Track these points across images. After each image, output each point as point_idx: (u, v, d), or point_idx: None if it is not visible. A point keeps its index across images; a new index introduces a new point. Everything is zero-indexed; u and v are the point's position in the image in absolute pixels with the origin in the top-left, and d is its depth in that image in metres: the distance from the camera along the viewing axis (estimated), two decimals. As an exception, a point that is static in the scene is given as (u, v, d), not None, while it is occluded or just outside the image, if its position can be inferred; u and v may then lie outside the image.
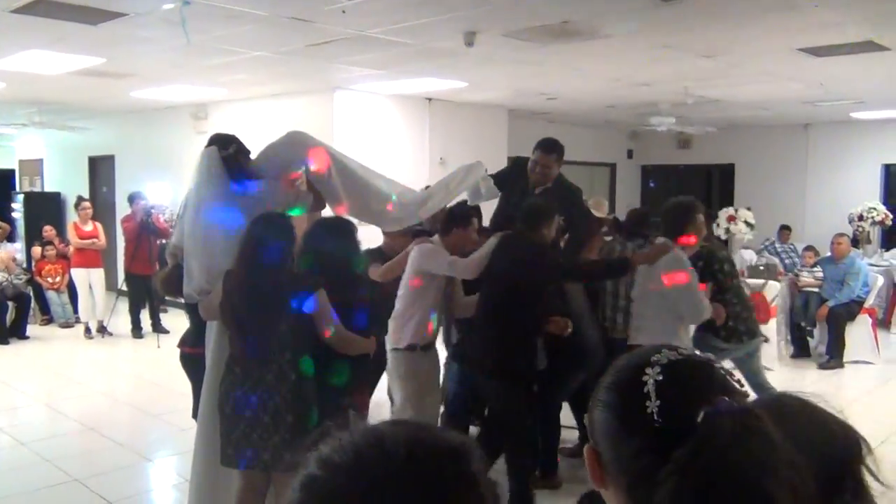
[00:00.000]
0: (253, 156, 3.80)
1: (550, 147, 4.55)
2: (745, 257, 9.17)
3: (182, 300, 3.81)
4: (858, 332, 7.78)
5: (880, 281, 8.21)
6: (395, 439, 0.76)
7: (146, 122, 11.05)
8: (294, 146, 3.83)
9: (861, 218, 9.97)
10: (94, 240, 9.08)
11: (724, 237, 8.47)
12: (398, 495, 0.72)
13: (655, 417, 0.89)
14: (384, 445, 0.75)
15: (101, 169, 12.45)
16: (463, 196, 4.44)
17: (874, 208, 10.02)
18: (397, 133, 9.12)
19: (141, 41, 5.97)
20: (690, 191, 9.32)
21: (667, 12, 4.97)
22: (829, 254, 8.11)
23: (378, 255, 4.61)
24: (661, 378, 0.92)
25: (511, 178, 4.65)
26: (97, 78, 7.71)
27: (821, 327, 7.91)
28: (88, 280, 8.99)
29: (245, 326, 3.18)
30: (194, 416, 3.95)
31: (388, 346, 4.17)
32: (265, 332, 3.14)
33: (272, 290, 3.15)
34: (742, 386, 0.94)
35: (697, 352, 0.99)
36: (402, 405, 4.13)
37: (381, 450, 0.75)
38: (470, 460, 0.77)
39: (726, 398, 0.88)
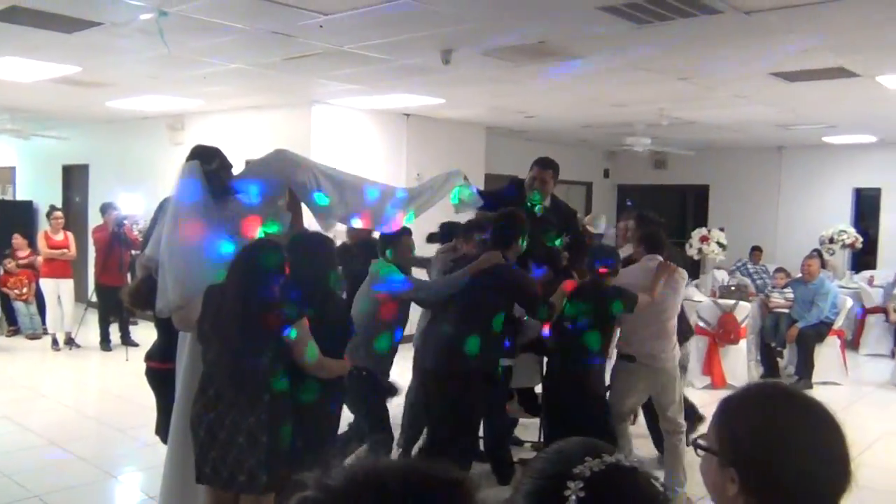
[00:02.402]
0: (235, 170, 3.78)
1: (547, 163, 4.89)
2: (717, 277, 9.25)
3: (149, 313, 3.75)
4: (827, 354, 7.87)
5: (849, 303, 8.31)
6: (393, 470, 0.75)
7: (122, 131, 10.94)
8: (278, 165, 3.82)
9: (832, 241, 10.11)
10: (65, 250, 8.95)
11: (696, 257, 8.52)
12: None
13: None
14: (381, 475, 0.74)
15: (74, 178, 12.30)
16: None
17: (844, 231, 10.17)
18: (374, 148, 9.11)
19: (117, 51, 5.92)
20: (666, 211, 9.38)
21: (642, 35, 5.03)
22: (799, 275, 8.22)
23: (343, 250, 4.83)
24: (583, 494, 0.91)
25: (511, 197, 4.86)
26: (73, 86, 7.63)
27: (790, 348, 8.00)
28: (57, 291, 8.84)
29: (227, 346, 3.11)
30: (157, 432, 3.89)
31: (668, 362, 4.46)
32: (247, 357, 3.08)
33: (262, 319, 3.09)
34: (665, 491, 0.96)
35: (622, 456, 0.98)
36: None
37: (377, 478, 0.74)
38: (470, 495, 0.76)
39: None
